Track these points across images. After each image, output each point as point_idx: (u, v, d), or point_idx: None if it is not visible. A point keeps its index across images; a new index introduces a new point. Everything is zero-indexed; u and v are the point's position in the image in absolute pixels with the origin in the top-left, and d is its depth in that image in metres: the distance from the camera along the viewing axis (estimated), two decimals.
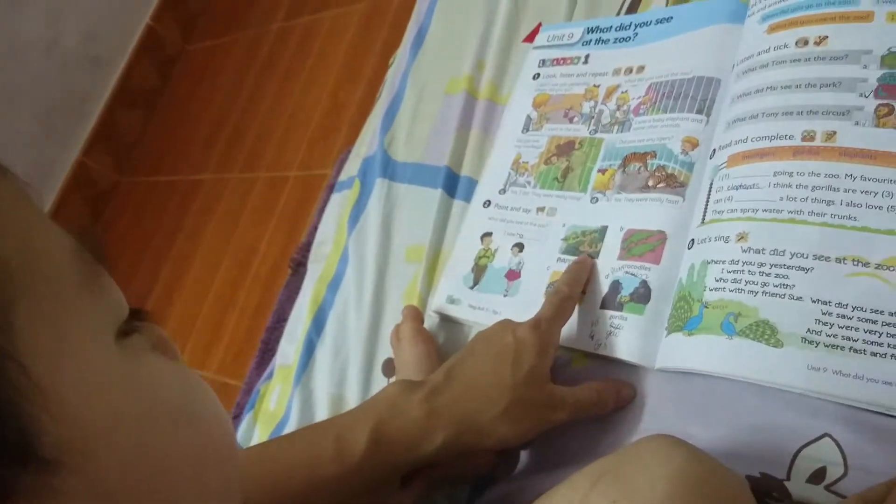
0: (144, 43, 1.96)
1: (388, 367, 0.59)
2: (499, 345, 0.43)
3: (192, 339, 1.42)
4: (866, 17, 0.44)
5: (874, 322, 0.37)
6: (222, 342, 1.35)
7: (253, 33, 1.84)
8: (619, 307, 0.47)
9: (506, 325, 0.45)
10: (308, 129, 1.52)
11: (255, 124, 1.67)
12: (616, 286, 0.48)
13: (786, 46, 0.46)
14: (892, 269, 0.38)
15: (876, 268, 0.38)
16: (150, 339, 0.25)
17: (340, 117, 1.47)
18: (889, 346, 0.37)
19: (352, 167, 0.74)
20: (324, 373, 0.62)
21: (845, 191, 0.40)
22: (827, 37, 0.45)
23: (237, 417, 1.23)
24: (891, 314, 0.37)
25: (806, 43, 0.45)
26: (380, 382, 0.59)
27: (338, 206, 0.73)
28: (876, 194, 0.40)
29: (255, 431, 0.66)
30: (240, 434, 0.67)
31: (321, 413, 0.60)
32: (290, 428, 0.61)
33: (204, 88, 1.88)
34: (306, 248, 1.26)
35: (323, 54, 1.61)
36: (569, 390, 0.43)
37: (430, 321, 0.58)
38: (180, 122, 1.89)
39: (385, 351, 0.60)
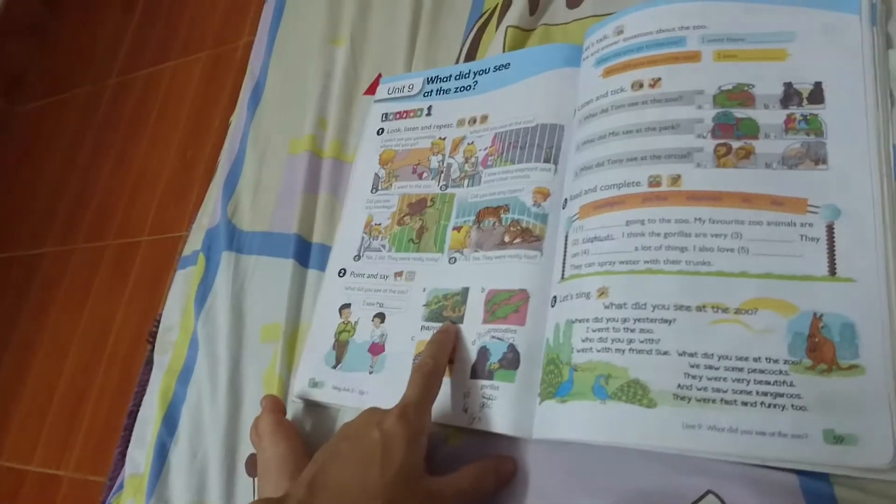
0: None
1: (253, 465, 0.53)
2: (364, 443, 0.39)
3: (44, 436, 1.27)
4: (694, 57, 0.44)
5: (740, 370, 0.36)
6: (80, 434, 1.22)
7: (87, 90, 1.72)
8: (490, 375, 0.44)
9: (371, 416, 0.41)
10: (157, 189, 1.42)
11: (98, 188, 1.54)
12: (484, 352, 0.45)
13: (622, 90, 0.45)
14: (750, 312, 0.37)
15: (735, 313, 0.38)
16: None
17: (191, 174, 1.38)
18: (757, 393, 0.36)
19: (195, 240, 0.68)
20: (181, 479, 0.55)
21: (696, 235, 0.40)
22: (660, 79, 0.44)
23: None
24: (755, 360, 0.36)
25: (641, 86, 0.45)
26: (244, 483, 0.53)
27: (182, 285, 0.66)
28: (725, 236, 0.39)
29: None
30: None
31: None
32: None
33: (37, 153, 1.73)
34: None
35: (166, 109, 1.52)
36: (446, 480, 0.40)
37: (295, 407, 0.53)
38: (13, 193, 1.72)
39: (248, 446, 0.54)
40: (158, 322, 0.95)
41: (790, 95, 0.41)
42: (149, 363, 1.27)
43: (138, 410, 0.87)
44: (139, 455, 0.60)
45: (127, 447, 1.08)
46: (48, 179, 1.66)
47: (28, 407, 1.34)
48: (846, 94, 0.40)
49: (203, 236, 0.66)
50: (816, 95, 0.41)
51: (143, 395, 0.74)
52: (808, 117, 0.40)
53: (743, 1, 0.45)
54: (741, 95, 0.42)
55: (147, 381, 1.03)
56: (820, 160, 0.39)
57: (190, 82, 1.51)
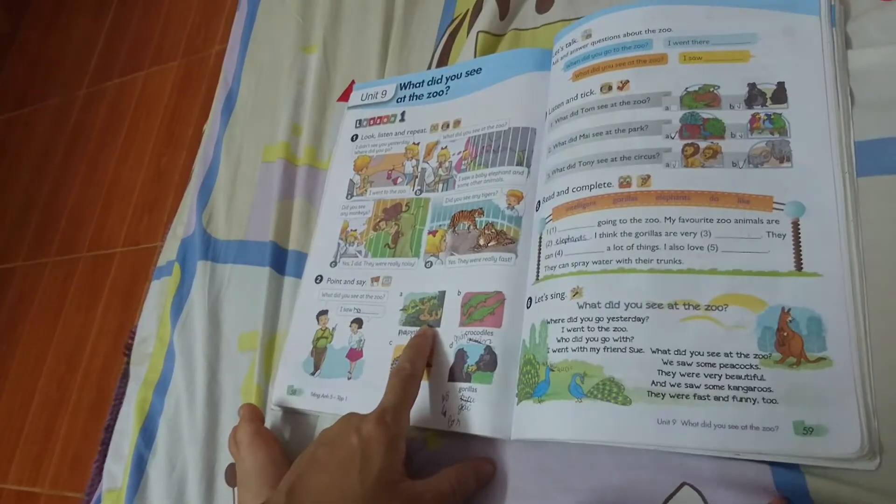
0: None
1: (232, 475, 0.53)
2: (343, 449, 0.39)
3: (19, 453, 1.25)
4: (661, 59, 0.45)
5: (712, 365, 0.37)
6: (55, 450, 1.20)
7: (56, 102, 1.70)
8: (468, 378, 0.44)
9: (349, 421, 0.41)
10: (130, 199, 1.41)
11: (69, 200, 1.53)
12: (462, 355, 0.45)
13: (591, 93, 0.46)
14: (720, 308, 0.38)
15: (706, 309, 0.38)
16: None
17: (166, 184, 1.37)
18: (729, 387, 0.36)
19: (170, 250, 0.68)
20: (159, 492, 0.55)
21: (666, 234, 0.40)
22: (628, 81, 0.45)
23: None
24: (726, 355, 0.37)
25: (610, 88, 0.46)
26: (224, 493, 0.53)
27: (158, 295, 0.66)
28: (695, 235, 0.40)
29: None
30: None
31: None
32: None
33: (5, 167, 1.70)
34: None
35: (138, 119, 1.51)
36: (426, 484, 0.40)
37: (274, 416, 0.53)
38: None
39: (227, 456, 0.54)
40: (134, 334, 0.93)
41: (754, 96, 0.42)
42: (125, 376, 1.26)
43: (115, 424, 0.86)
44: (116, 468, 0.59)
45: (104, 461, 1.07)
46: (16, 193, 1.64)
47: (2, 423, 1.32)
48: (808, 93, 0.41)
49: (178, 246, 0.65)
50: (780, 95, 0.42)
51: (120, 408, 0.73)
52: (773, 117, 0.41)
53: (706, 4, 0.46)
54: (707, 96, 0.43)
55: (124, 393, 1.02)
56: (784, 158, 0.40)
57: (162, 91, 1.50)
